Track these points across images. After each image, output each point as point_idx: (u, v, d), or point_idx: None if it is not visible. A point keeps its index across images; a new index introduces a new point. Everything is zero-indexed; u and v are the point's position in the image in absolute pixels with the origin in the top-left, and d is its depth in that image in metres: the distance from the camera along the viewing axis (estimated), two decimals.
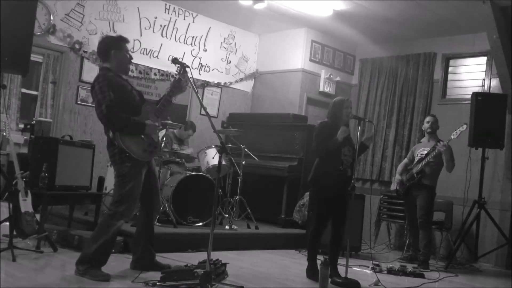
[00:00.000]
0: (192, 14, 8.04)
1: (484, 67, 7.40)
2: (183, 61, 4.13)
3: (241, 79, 8.76)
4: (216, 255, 4.28)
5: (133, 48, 7.39)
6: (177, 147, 6.63)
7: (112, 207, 3.96)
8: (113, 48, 3.98)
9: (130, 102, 3.98)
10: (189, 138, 7.00)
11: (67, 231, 5.08)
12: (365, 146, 4.80)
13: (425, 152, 6.01)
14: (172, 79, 7.70)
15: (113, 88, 3.86)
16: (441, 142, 5.87)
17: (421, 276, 5.31)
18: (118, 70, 4.03)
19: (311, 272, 4.60)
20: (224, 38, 8.49)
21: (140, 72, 7.43)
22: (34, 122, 8.52)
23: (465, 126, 5.76)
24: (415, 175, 6.00)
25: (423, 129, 6.33)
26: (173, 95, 4.12)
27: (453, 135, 5.75)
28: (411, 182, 6.04)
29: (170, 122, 5.87)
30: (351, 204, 4.64)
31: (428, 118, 6.24)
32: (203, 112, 8.02)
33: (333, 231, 4.67)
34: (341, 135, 4.43)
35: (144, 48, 7.49)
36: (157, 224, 5.51)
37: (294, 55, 8.37)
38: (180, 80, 4.07)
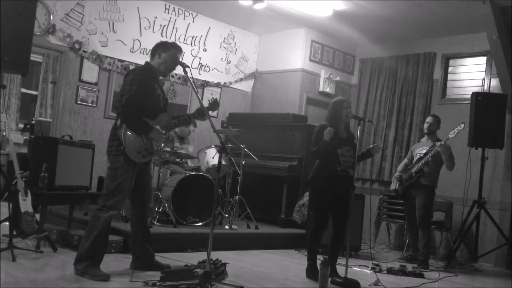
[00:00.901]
0: (192, 14, 8.04)
1: (483, 67, 7.40)
2: (183, 61, 4.16)
3: (241, 79, 8.76)
4: (216, 255, 4.28)
5: (132, 48, 7.40)
6: (179, 145, 6.63)
7: (100, 200, 3.97)
8: (162, 51, 4.11)
9: (151, 105, 4.05)
10: (190, 135, 6.98)
11: (66, 231, 5.08)
12: (371, 154, 4.82)
13: (424, 151, 6.02)
14: (171, 79, 7.72)
15: (143, 86, 3.94)
16: (439, 141, 5.87)
17: (421, 276, 5.31)
18: (159, 69, 4.14)
19: (311, 272, 4.60)
20: (224, 38, 8.49)
21: None
22: (34, 122, 8.52)
23: (462, 125, 5.75)
24: (414, 174, 6.00)
25: (424, 129, 6.32)
26: (194, 118, 4.24)
27: (450, 134, 5.75)
28: (409, 182, 6.04)
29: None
30: (351, 204, 4.63)
31: (428, 119, 6.25)
32: None
33: (334, 232, 4.68)
34: (327, 136, 4.44)
35: (144, 48, 7.48)
36: (157, 224, 5.51)
37: (294, 55, 8.37)
38: (208, 110, 4.21)
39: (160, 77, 4.30)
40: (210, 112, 4.53)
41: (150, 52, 4.21)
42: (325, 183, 4.56)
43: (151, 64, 4.13)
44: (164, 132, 4.12)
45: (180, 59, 4.18)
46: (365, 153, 4.82)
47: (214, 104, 4.35)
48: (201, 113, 4.21)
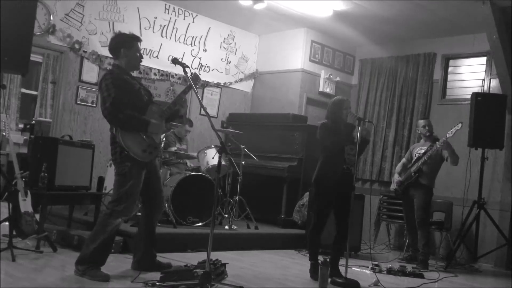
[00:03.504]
0: (192, 14, 8.04)
1: (483, 67, 7.40)
2: (182, 61, 4.16)
3: (241, 79, 8.75)
4: (215, 255, 4.28)
5: None
6: (179, 145, 6.63)
7: (110, 205, 3.96)
8: (124, 46, 4.02)
9: (137, 101, 4.00)
10: (188, 135, 6.97)
11: (66, 231, 5.08)
12: (365, 140, 4.80)
13: (423, 151, 6.03)
14: (171, 79, 7.72)
15: (120, 86, 3.89)
16: (440, 140, 5.87)
17: (421, 276, 5.31)
18: (128, 68, 4.08)
19: (315, 272, 4.58)
20: (224, 38, 8.49)
21: (139, 72, 7.42)
22: (33, 122, 8.52)
23: (460, 125, 5.75)
24: (413, 174, 6.01)
25: (420, 133, 6.29)
26: (184, 94, 4.18)
27: (448, 134, 5.76)
28: (408, 181, 6.05)
29: (175, 123, 5.90)
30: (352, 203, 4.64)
31: (423, 122, 6.21)
32: (202, 112, 8.02)
33: (337, 231, 4.68)
34: (352, 119, 4.57)
35: (144, 48, 7.47)
36: (157, 224, 5.50)
37: (294, 55, 8.37)
38: (190, 87, 4.15)
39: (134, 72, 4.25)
40: (209, 111, 4.50)
41: (111, 50, 4.08)
42: (332, 181, 4.57)
43: (118, 64, 4.04)
44: (160, 123, 4.07)
45: (181, 59, 4.16)
46: (361, 144, 4.75)
47: (195, 78, 4.20)
48: (186, 91, 4.19)
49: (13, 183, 4.52)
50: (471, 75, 7.59)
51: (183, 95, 4.20)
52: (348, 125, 4.74)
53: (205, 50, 8.24)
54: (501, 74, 6.66)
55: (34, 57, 8.67)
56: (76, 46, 6.84)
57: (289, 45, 8.44)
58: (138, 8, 7.42)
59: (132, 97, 3.96)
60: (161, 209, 4.38)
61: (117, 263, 4.34)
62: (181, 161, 6.54)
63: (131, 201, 3.92)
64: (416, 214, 5.98)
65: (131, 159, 3.88)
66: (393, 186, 6.31)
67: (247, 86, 8.88)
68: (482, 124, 6.25)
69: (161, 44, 7.68)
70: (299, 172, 7.06)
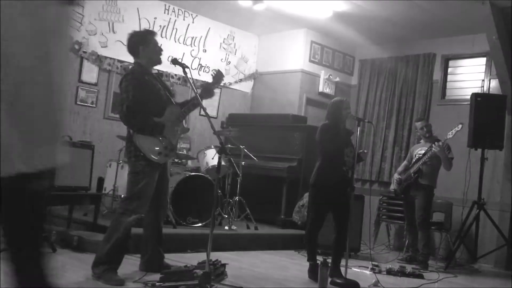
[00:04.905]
0: (191, 14, 8.04)
1: (483, 68, 7.40)
2: (182, 62, 4.15)
3: (241, 80, 8.75)
4: (215, 255, 4.28)
5: None
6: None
7: (122, 204, 3.94)
8: (141, 44, 4.00)
9: (156, 102, 3.98)
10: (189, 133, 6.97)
11: (66, 231, 5.08)
12: (360, 158, 4.85)
13: (423, 151, 6.04)
14: (171, 80, 7.72)
15: (140, 86, 3.87)
16: (438, 141, 5.88)
17: (421, 276, 5.32)
18: (149, 64, 4.08)
19: (313, 273, 4.59)
20: (224, 39, 8.49)
21: None
22: None
23: (460, 126, 5.76)
24: (412, 174, 6.01)
25: (420, 135, 6.30)
26: (202, 99, 4.10)
27: (449, 135, 5.77)
28: (408, 182, 6.05)
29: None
30: (351, 204, 4.64)
31: (420, 124, 6.23)
32: (202, 112, 8.01)
33: (337, 232, 4.68)
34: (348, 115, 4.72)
35: None
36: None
37: (294, 56, 8.37)
38: (213, 84, 4.15)
39: (156, 69, 4.24)
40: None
41: (131, 51, 4.06)
42: (332, 183, 4.56)
43: (139, 62, 4.04)
44: (176, 127, 4.05)
45: (180, 60, 4.16)
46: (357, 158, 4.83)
47: (218, 76, 4.16)
48: (207, 90, 4.16)
49: None
50: (470, 76, 7.59)
51: (200, 98, 4.08)
52: (346, 130, 4.75)
53: (204, 51, 8.24)
54: (501, 74, 6.67)
55: None
56: (76, 46, 6.83)
57: (289, 46, 8.45)
58: (138, 9, 7.41)
59: (152, 98, 3.95)
60: (166, 210, 4.39)
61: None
62: (180, 161, 6.53)
63: (144, 200, 3.89)
64: (417, 215, 5.98)
65: (146, 159, 3.87)
66: (392, 187, 6.32)
67: (246, 87, 8.87)
68: (482, 125, 6.26)
69: (161, 44, 7.54)
70: (299, 173, 7.05)
